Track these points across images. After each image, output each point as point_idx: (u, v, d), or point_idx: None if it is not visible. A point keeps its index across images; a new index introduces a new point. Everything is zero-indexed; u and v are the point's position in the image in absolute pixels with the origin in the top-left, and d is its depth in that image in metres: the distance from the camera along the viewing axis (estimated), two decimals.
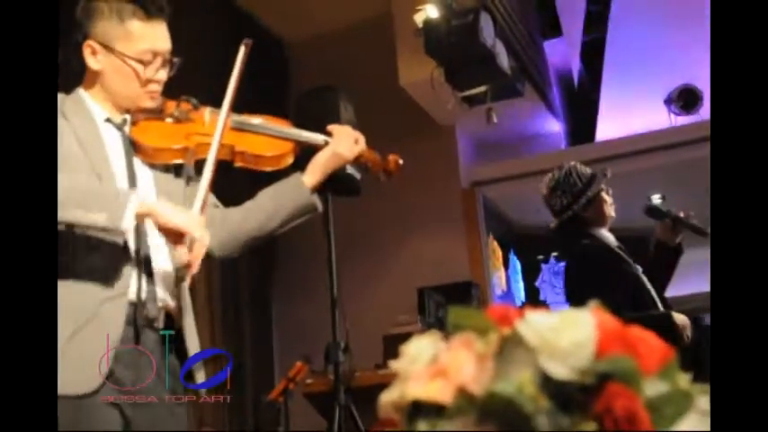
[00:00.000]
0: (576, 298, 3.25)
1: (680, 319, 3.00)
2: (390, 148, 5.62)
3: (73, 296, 1.66)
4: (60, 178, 1.55)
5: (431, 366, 0.62)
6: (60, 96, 1.82)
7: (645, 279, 3.16)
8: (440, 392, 0.59)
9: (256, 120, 2.06)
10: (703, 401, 0.68)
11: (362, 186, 2.88)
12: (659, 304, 3.14)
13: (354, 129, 3.18)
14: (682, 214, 3.21)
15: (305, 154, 2.08)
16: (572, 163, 3.30)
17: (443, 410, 0.59)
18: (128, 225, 1.61)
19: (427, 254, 5.56)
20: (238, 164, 1.94)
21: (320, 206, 2.08)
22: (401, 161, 2.30)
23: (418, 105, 5.31)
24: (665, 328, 2.90)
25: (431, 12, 4.34)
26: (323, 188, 2.27)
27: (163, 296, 1.80)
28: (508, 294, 6.23)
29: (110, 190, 1.74)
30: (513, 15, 5.13)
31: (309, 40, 6.02)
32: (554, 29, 6.28)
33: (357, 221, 4.86)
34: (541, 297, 6.90)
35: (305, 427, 4.20)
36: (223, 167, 1.92)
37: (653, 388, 0.61)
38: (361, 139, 2.17)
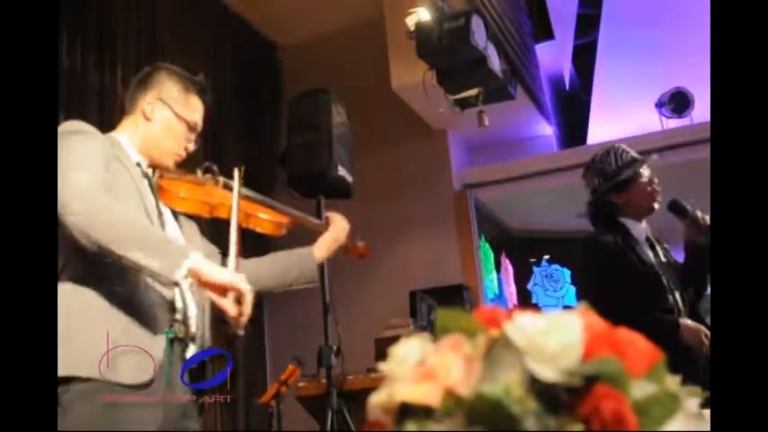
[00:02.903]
0: (584, 293, 3.16)
1: (689, 329, 2.78)
2: (382, 150, 5.64)
3: (128, 295, 1.83)
4: (120, 210, 1.78)
5: (419, 368, 0.62)
6: (96, 132, 1.98)
7: (665, 280, 2.94)
8: (428, 394, 0.60)
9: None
10: (692, 404, 0.69)
11: (354, 189, 2.89)
12: (679, 306, 2.93)
13: (346, 131, 3.21)
14: (699, 213, 2.94)
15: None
16: (619, 144, 3.13)
17: (432, 412, 0.60)
18: (178, 279, 1.73)
19: (419, 257, 5.57)
20: (244, 225, 2.15)
21: (318, 281, 2.44)
22: (368, 246, 2.77)
23: (410, 108, 5.32)
24: (668, 336, 2.65)
25: (423, 15, 4.34)
26: (315, 193, 2.45)
27: (196, 313, 1.99)
28: (500, 297, 6.23)
29: (168, 239, 1.91)
30: (504, 19, 5.15)
31: (302, 44, 6.02)
32: (546, 32, 6.30)
33: (349, 224, 4.85)
34: (533, 300, 6.91)
35: (297, 430, 4.19)
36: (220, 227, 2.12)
37: (640, 390, 0.62)
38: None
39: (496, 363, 0.60)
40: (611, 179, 3.00)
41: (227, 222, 2.04)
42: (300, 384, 3.92)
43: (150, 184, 2.04)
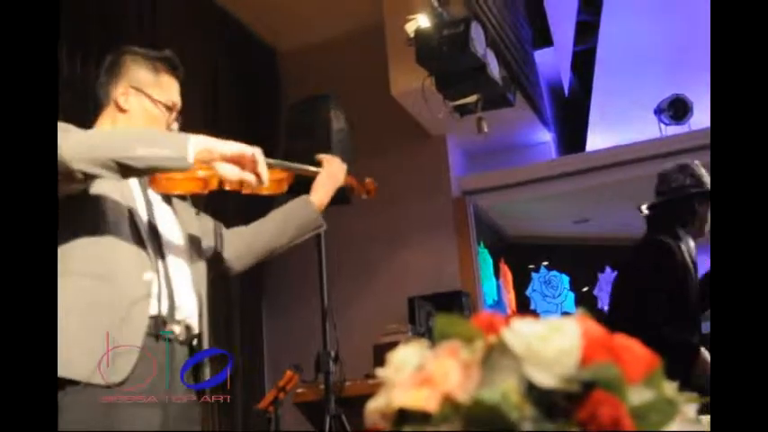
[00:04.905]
0: (624, 291, 3.25)
1: (705, 361, 2.94)
2: (381, 156, 5.66)
3: (106, 293, 1.79)
4: (108, 129, 1.88)
5: (417, 374, 0.62)
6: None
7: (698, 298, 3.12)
8: (425, 400, 0.60)
9: None
10: (690, 410, 0.69)
11: (353, 196, 2.89)
12: (699, 324, 3.11)
13: (346, 137, 3.22)
14: None
15: (297, 184, 2.31)
16: None
17: (429, 418, 0.60)
18: (191, 160, 1.70)
19: (418, 263, 5.57)
20: (245, 191, 2.05)
21: (324, 224, 2.32)
22: (375, 183, 2.62)
23: (410, 115, 5.32)
24: (684, 354, 2.91)
25: (422, 21, 4.35)
26: None
27: (183, 311, 1.93)
28: (499, 304, 6.23)
29: (168, 134, 1.93)
30: (504, 25, 5.16)
31: (301, 50, 6.03)
32: (545, 39, 6.32)
33: (348, 230, 4.86)
34: (532, 306, 6.91)
35: None
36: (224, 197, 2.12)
37: (638, 395, 0.62)
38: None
39: (494, 368, 0.60)
40: (705, 185, 3.11)
41: (226, 196, 2.03)
42: (299, 390, 3.91)
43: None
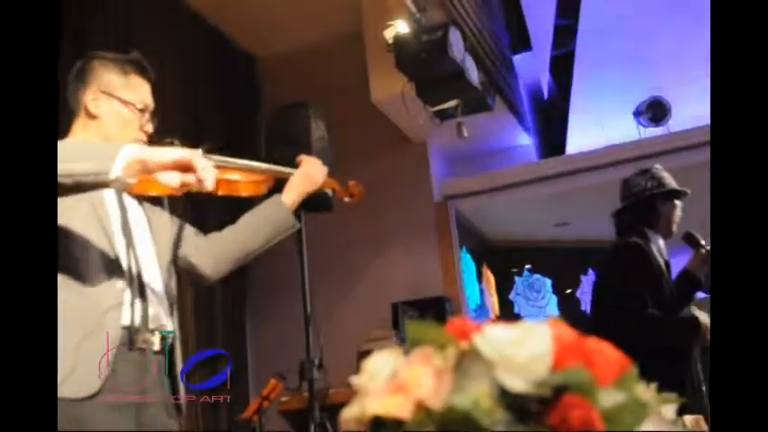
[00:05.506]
0: (604, 291, 3.31)
1: (705, 321, 3.03)
2: (363, 163, 5.66)
3: (78, 303, 1.78)
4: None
5: (390, 381, 0.63)
6: None
7: (673, 298, 3.19)
8: (399, 408, 0.60)
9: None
10: (668, 411, 0.70)
11: (335, 202, 2.89)
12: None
13: (326, 145, 3.22)
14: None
15: (278, 189, 2.30)
16: None
17: (403, 424, 0.60)
18: (116, 174, 1.58)
19: (401, 269, 5.57)
20: (221, 192, 2.07)
21: (297, 224, 2.29)
22: (360, 186, 2.59)
23: (390, 121, 5.33)
24: (690, 331, 3.02)
25: (401, 27, 4.36)
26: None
27: (157, 319, 1.93)
28: (482, 308, 6.25)
29: (102, 145, 1.85)
30: (482, 30, 5.18)
31: (280, 57, 6.03)
32: (523, 43, 6.36)
33: (330, 237, 4.85)
34: (515, 310, 6.93)
35: None
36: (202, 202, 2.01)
37: (609, 398, 0.62)
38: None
39: (466, 374, 0.61)
40: (666, 185, 3.25)
41: (206, 200, 2.02)
42: (283, 398, 3.90)
43: None
